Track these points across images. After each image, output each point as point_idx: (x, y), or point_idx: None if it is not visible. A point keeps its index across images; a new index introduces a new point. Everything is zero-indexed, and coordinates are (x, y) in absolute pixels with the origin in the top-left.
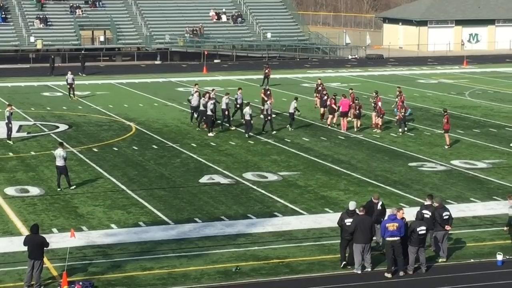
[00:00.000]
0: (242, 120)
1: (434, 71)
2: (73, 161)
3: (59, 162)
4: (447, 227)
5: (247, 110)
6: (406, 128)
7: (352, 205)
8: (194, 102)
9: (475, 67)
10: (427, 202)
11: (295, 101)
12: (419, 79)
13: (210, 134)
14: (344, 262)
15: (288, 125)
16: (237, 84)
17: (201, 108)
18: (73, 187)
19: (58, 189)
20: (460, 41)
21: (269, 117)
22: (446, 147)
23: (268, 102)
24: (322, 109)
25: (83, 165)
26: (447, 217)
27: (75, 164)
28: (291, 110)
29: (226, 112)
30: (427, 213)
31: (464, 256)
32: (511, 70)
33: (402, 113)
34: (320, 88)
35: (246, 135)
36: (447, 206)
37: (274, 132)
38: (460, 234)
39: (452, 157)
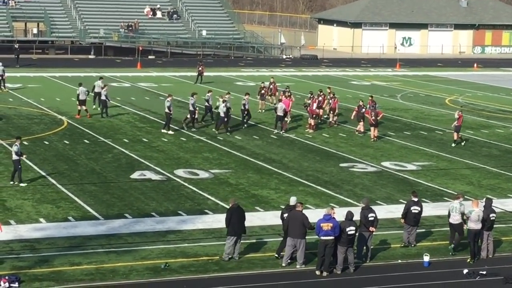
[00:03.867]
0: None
1: (367, 73)
2: (2, 154)
3: None
4: (372, 229)
5: (221, 107)
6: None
7: (292, 200)
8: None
9: (408, 70)
10: (415, 199)
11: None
12: (352, 80)
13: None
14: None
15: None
16: (171, 81)
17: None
18: None
19: None
20: (393, 44)
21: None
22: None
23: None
24: (321, 111)
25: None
26: (372, 218)
27: (5, 157)
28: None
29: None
30: (416, 209)
31: (392, 256)
32: (442, 74)
33: (373, 117)
34: (271, 87)
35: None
36: (377, 207)
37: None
38: (388, 235)
39: (383, 158)
